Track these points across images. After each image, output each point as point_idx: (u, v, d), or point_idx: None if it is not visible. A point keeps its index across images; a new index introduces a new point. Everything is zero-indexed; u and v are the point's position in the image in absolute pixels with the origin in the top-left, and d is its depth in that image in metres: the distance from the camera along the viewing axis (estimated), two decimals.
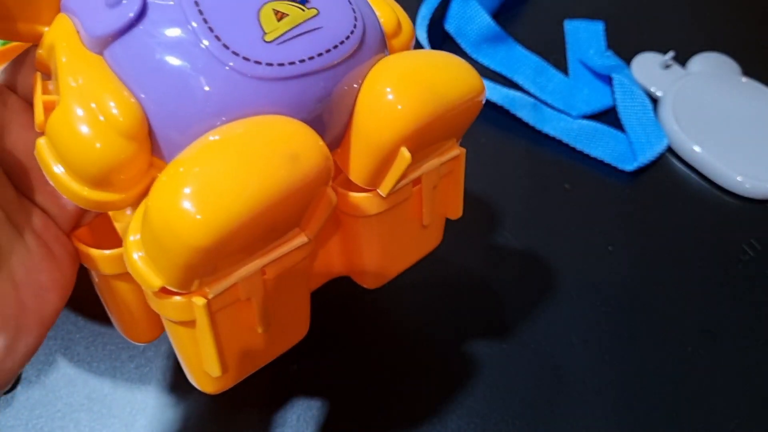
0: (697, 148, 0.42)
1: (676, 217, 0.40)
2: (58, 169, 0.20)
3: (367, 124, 0.23)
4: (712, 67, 0.47)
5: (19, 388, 0.31)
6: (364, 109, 0.22)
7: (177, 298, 0.21)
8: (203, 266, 0.19)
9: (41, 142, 0.21)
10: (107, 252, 0.23)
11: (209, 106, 0.20)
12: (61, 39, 0.21)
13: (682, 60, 0.47)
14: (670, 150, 0.43)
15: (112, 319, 0.26)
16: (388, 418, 0.32)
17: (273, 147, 0.19)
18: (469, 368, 0.33)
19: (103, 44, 0.20)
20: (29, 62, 0.24)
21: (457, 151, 0.27)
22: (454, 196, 0.29)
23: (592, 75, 0.47)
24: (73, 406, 0.31)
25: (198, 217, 0.18)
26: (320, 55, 0.21)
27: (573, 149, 0.43)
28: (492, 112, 0.44)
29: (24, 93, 0.24)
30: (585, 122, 0.44)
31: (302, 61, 0.20)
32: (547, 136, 0.43)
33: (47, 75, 0.22)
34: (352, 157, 0.24)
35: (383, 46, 0.24)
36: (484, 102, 0.25)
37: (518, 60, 0.47)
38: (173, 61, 0.20)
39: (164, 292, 0.21)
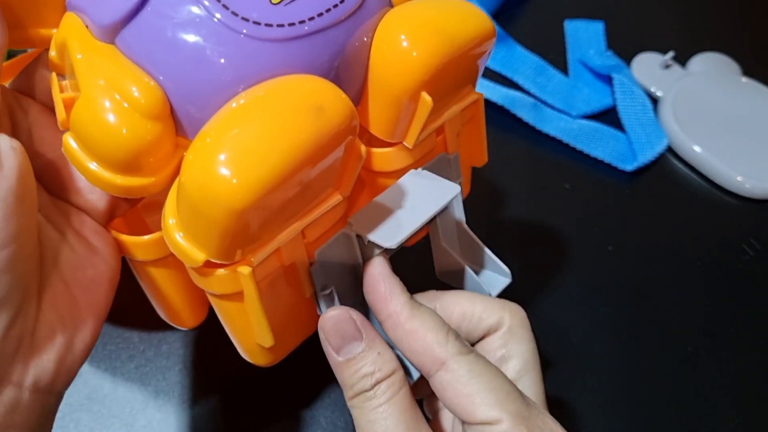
0: (697, 148, 0.42)
1: (676, 217, 0.40)
2: (88, 161, 0.20)
3: (384, 74, 0.23)
4: (712, 67, 0.47)
5: None
6: (380, 60, 0.23)
7: (222, 270, 0.21)
8: (244, 231, 0.19)
9: (68, 138, 0.21)
10: (145, 238, 0.23)
11: (227, 74, 0.20)
12: (72, 36, 0.21)
13: (682, 60, 0.47)
14: (670, 150, 0.43)
15: (156, 307, 0.26)
16: None
17: (297, 103, 0.19)
18: None
19: (113, 32, 0.20)
20: (42, 66, 0.24)
21: (475, 95, 0.26)
22: (478, 143, 0.28)
23: (592, 75, 0.47)
24: (73, 406, 0.31)
25: (234, 181, 0.18)
26: (328, 11, 0.21)
27: (573, 149, 0.43)
28: (492, 111, 0.44)
29: (42, 97, 0.24)
30: (585, 122, 0.44)
31: (311, 18, 0.21)
32: (547, 136, 0.43)
33: (62, 75, 0.22)
34: (372, 111, 0.24)
35: None
36: (494, 44, 0.25)
37: (518, 60, 0.47)
38: (186, 36, 0.20)
39: (208, 266, 0.20)
